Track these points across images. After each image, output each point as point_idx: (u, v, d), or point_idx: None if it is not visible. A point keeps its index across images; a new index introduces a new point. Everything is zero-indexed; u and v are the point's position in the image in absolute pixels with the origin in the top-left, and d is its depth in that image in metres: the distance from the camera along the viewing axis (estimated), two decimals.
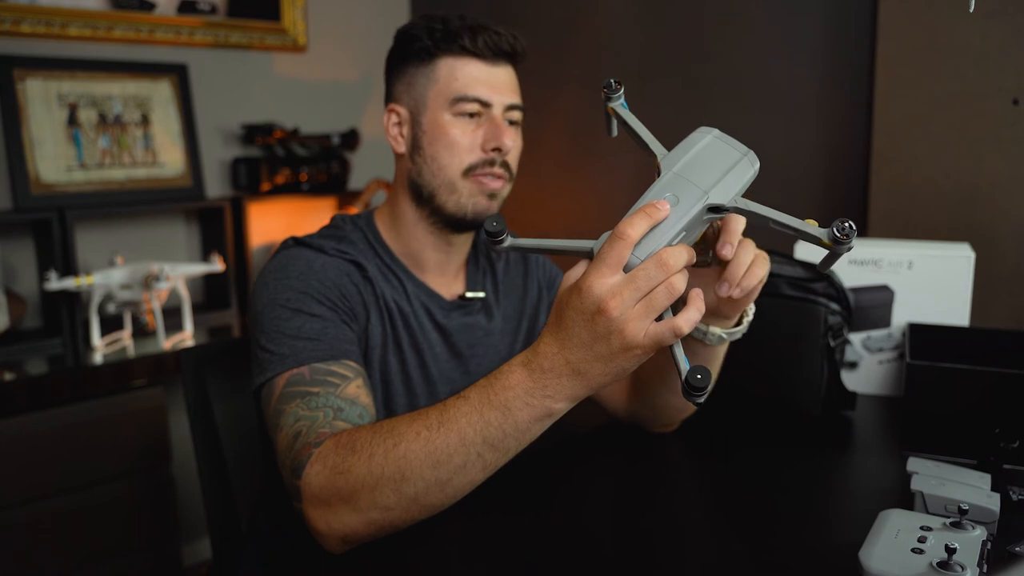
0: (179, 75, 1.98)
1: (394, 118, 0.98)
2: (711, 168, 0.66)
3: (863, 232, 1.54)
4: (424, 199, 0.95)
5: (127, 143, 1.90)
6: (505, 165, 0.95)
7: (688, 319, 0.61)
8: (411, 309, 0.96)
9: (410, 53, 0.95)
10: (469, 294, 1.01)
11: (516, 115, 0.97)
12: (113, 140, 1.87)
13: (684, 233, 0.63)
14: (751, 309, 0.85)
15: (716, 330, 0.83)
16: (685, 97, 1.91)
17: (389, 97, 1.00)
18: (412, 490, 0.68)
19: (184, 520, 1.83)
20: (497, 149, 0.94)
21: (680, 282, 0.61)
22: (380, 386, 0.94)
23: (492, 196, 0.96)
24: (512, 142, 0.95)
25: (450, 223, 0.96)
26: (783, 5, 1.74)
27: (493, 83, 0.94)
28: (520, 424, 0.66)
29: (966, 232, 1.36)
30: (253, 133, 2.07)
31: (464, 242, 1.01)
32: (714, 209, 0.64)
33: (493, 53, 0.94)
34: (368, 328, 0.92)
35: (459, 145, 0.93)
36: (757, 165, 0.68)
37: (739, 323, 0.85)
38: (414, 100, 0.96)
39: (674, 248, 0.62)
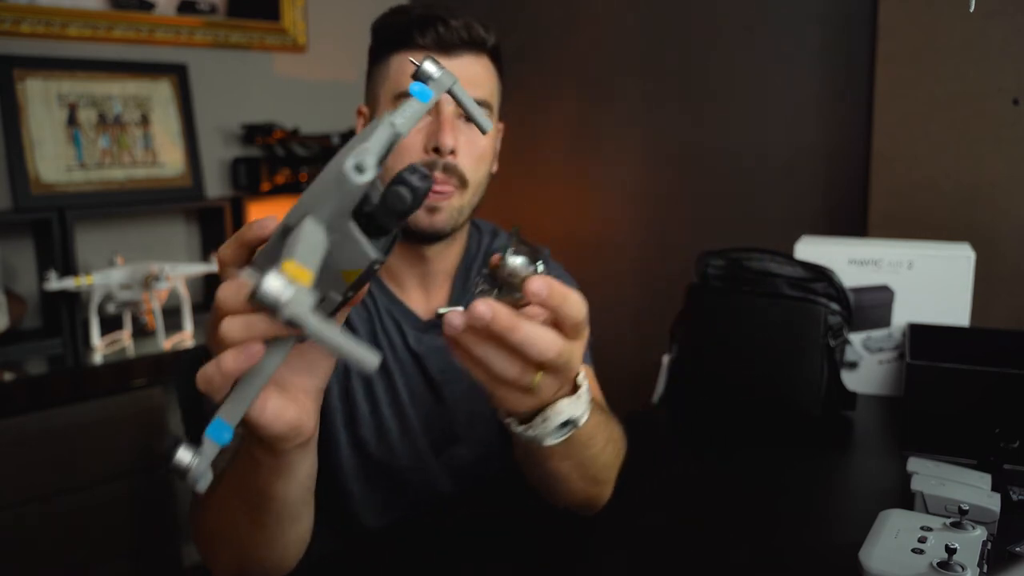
0: (179, 75, 1.98)
1: (360, 120, 0.94)
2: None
3: (864, 232, 1.54)
4: None
5: (127, 143, 1.89)
6: (450, 169, 0.83)
7: (220, 361, 0.46)
8: (380, 327, 0.89)
9: (371, 51, 0.90)
10: (442, 310, 0.92)
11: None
12: (113, 140, 1.87)
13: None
14: (569, 406, 0.59)
15: (514, 425, 0.61)
16: (685, 97, 1.91)
17: (368, 92, 0.93)
18: None
19: (184, 520, 1.82)
20: (436, 150, 0.82)
21: (224, 327, 0.47)
22: (341, 406, 0.86)
23: (433, 210, 0.84)
24: (455, 140, 0.83)
25: (409, 236, 0.86)
26: (783, 5, 1.74)
27: None
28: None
29: (966, 232, 1.36)
30: (253, 133, 2.07)
31: (443, 253, 0.91)
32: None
33: (446, 45, 0.84)
34: None
35: (402, 147, 0.82)
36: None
37: (529, 420, 0.59)
38: (373, 99, 0.90)
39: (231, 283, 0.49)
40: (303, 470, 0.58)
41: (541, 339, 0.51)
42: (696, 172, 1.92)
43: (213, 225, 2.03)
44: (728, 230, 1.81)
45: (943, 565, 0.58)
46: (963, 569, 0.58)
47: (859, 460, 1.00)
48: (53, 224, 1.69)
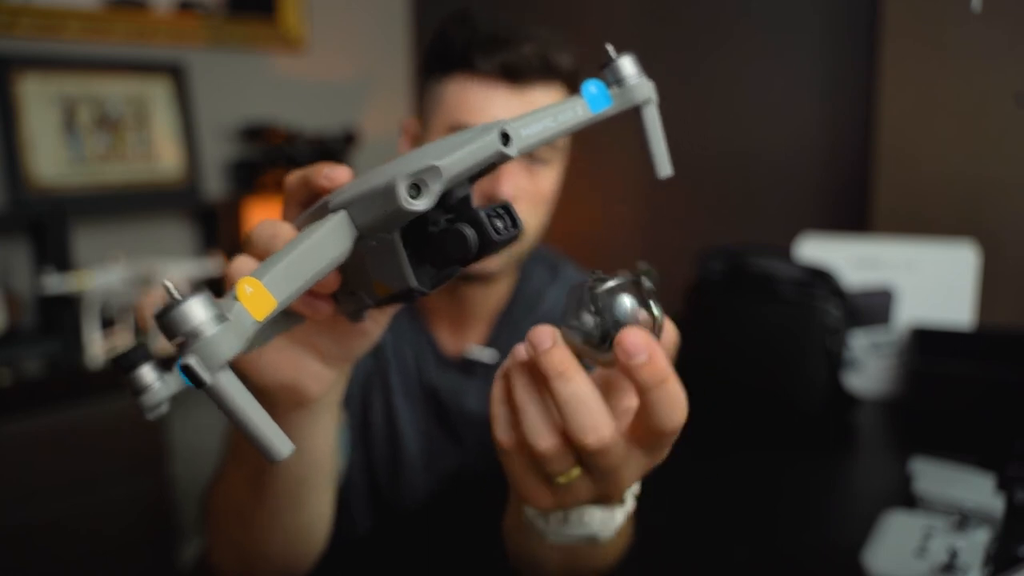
0: (177, 75, 1.97)
1: (404, 139, 0.83)
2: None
3: (867, 228, 1.53)
4: None
5: (125, 143, 1.89)
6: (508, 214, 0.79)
7: None
8: (405, 353, 0.84)
9: (426, 64, 0.80)
10: (474, 355, 0.83)
11: (541, 151, 0.74)
12: (111, 140, 1.87)
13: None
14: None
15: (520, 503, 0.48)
16: (686, 96, 1.91)
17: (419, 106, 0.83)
18: None
19: (183, 520, 1.82)
20: (490, 198, 0.74)
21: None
22: (360, 427, 0.83)
23: None
24: (515, 187, 0.74)
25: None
26: (785, 2, 1.73)
27: (507, 111, 0.73)
28: None
29: (972, 229, 1.35)
30: (252, 133, 2.07)
31: (485, 294, 0.84)
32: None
33: (514, 73, 0.74)
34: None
35: None
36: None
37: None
38: (425, 119, 0.80)
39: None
40: (305, 441, 0.52)
41: (593, 412, 0.36)
42: (696, 170, 1.91)
43: (211, 225, 2.03)
44: (728, 229, 1.81)
45: (947, 567, 0.58)
46: (967, 571, 0.57)
47: (861, 461, 0.99)
48: (51, 224, 1.69)
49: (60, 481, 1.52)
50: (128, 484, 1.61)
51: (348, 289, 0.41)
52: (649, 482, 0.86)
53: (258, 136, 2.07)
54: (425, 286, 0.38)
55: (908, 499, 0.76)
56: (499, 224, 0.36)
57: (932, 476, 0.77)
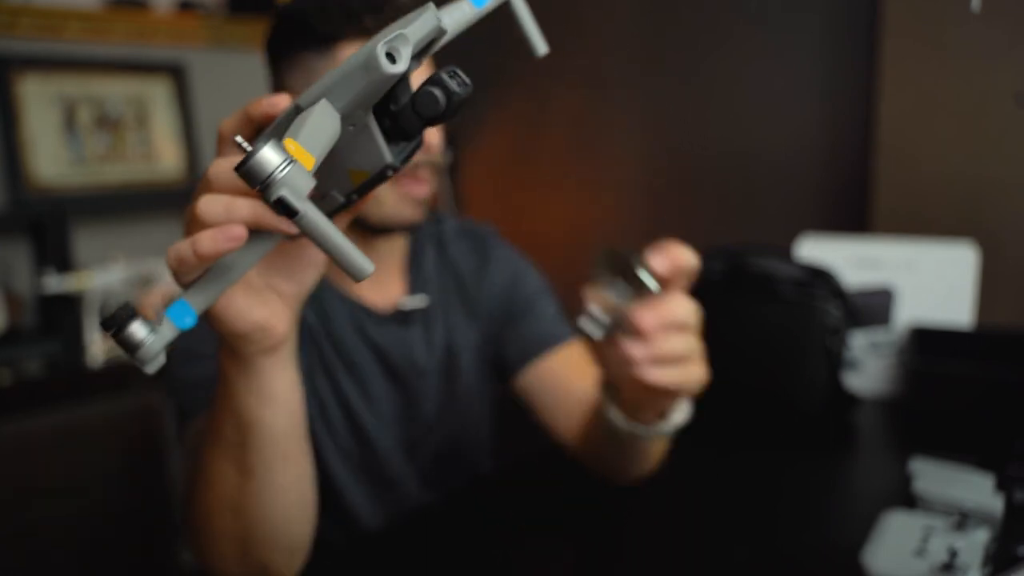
0: (177, 75, 1.97)
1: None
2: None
3: (867, 228, 1.53)
4: None
5: (125, 143, 1.89)
6: (432, 166, 0.83)
7: (201, 239, 0.42)
8: (336, 326, 0.85)
9: (305, 38, 0.77)
10: (408, 306, 0.88)
11: None
12: (111, 140, 1.87)
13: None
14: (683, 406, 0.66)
15: (620, 420, 0.65)
16: (686, 96, 1.91)
17: (279, 85, 0.80)
18: None
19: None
20: (427, 148, 0.80)
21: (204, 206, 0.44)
22: (317, 413, 0.85)
23: (418, 204, 0.82)
24: (438, 139, 0.81)
25: (371, 231, 0.84)
26: (785, 2, 1.73)
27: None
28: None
29: (972, 229, 1.35)
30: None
31: (395, 249, 0.90)
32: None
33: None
34: None
35: None
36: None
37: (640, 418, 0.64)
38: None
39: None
40: (280, 388, 0.55)
41: (684, 308, 0.56)
42: (696, 170, 1.91)
43: None
44: (728, 229, 1.81)
45: (946, 567, 0.58)
46: (966, 571, 0.57)
47: (860, 461, 0.99)
48: (51, 224, 1.69)
49: (60, 481, 1.52)
50: (128, 484, 1.60)
51: (320, 192, 0.45)
52: (649, 482, 0.87)
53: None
54: (397, 161, 0.44)
55: (908, 499, 0.76)
56: (455, 82, 0.42)
57: (932, 476, 0.77)
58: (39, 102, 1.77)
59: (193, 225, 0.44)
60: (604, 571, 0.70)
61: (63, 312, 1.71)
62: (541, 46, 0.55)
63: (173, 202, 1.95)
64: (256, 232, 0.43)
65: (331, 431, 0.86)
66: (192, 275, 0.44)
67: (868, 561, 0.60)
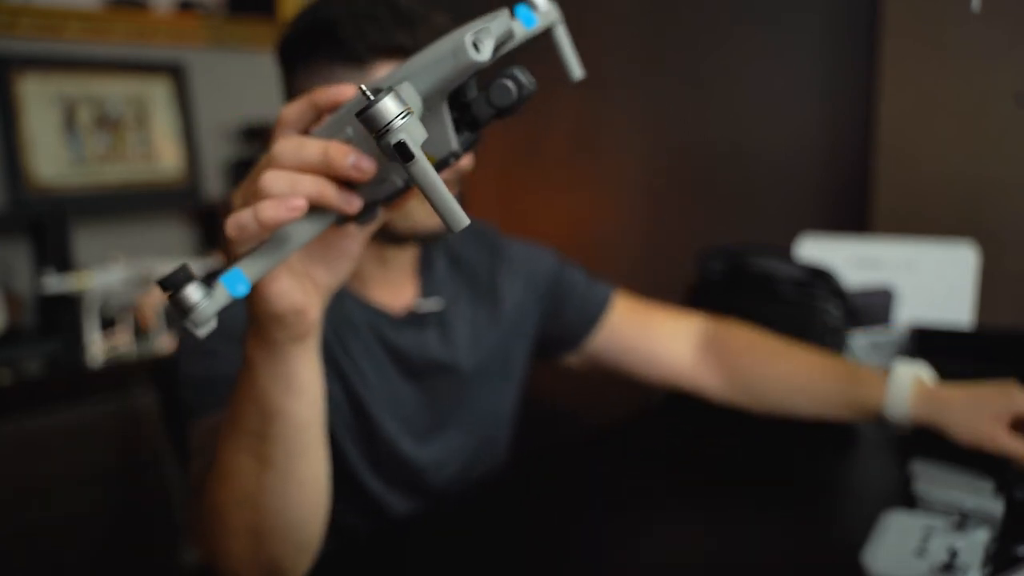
0: (177, 74, 1.97)
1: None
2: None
3: (867, 228, 1.53)
4: None
5: (125, 143, 1.89)
6: (457, 175, 0.82)
7: (265, 207, 0.44)
8: (349, 330, 0.86)
9: (332, 49, 0.75)
10: (423, 308, 0.89)
11: None
12: (111, 140, 1.87)
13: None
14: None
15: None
16: (686, 95, 1.91)
17: (294, 89, 0.80)
18: None
19: (183, 521, 1.82)
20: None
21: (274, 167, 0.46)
22: (334, 412, 0.84)
23: None
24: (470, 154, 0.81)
25: (393, 240, 0.84)
26: (785, 2, 1.73)
27: None
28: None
29: (972, 229, 1.35)
30: (252, 133, 2.07)
31: (409, 255, 0.90)
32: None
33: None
34: None
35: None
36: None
37: None
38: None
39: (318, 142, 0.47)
40: (305, 378, 0.57)
41: None
42: (696, 170, 1.91)
43: (211, 225, 2.03)
44: (728, 229, 1.81)
45: (946, 567, 0.58)
46: (966, 571, 0.57)
47: (861, 461, 0.99)
48: (51, 224, 1.69)
49: (60, 481, 1.52)
50: (128, 484, 1.61)
51: (380, 177, 0.47)
52: (649, 483, 0.87)
53: (258, 136, 2.07)
54: (462, 149, 0.47)
55: (908, 499, 0.76)
56: (524, 76, 0.47)
57: (932, 476, 0.77)
58: (39, 102, 1.77)
59: (254, 199, 0.46)
60: (602, 569, 0.70)
61: (63, 312, 1.71)
62: (577, 71, 0.58)
63: (173, 202, 1.95)
64: (313, 210, 0.45)
65: (348, 429, 0.86)
66: (249, 244, 0.46)
67: (868, 561, 0.60)
